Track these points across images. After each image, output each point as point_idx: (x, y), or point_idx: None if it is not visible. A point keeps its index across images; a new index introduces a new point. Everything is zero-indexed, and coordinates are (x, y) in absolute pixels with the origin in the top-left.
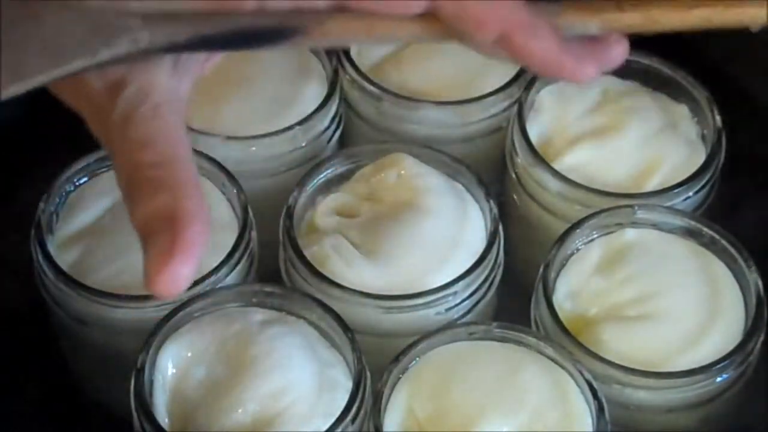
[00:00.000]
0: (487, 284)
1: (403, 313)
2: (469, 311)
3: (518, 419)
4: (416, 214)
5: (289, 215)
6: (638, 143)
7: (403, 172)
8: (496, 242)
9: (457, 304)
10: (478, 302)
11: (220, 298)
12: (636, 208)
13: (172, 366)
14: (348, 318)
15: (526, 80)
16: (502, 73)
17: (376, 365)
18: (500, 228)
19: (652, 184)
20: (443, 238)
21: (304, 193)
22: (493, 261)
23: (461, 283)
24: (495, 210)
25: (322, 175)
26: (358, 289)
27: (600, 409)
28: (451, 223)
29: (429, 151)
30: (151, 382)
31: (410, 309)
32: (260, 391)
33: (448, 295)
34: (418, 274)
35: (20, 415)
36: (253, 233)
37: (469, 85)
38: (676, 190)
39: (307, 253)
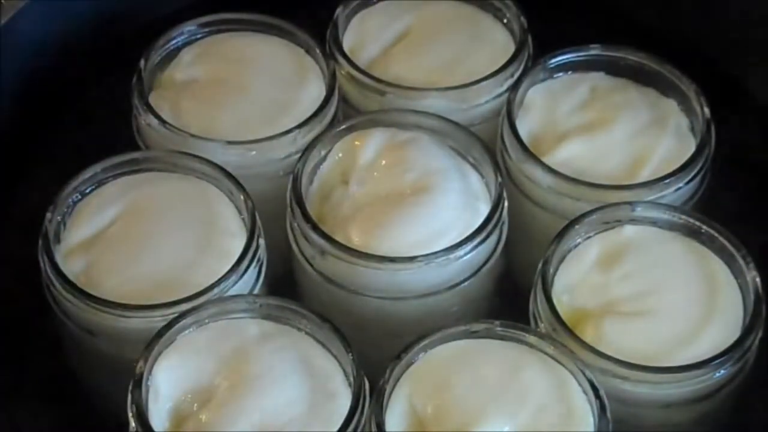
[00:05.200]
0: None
1: (409, 274)
2: (475, 273)
3: (519, 418)
4: (421, 194)
5: (296, 179)
6: (627, 137)
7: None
8: (501, 203)
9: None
10: (483, 264)
11: (216, 310)
12: (635, 205)
13: (170, 378)
14: (355, 283)
15: (523, 58)
16: (488, 52)
17: (378, 358)
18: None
19: (643, 176)
20: (448, 217)
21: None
22: (497, 220)
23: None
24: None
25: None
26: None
27: (602, 408)
28: (458, 199)
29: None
30: (148, 393)
31: (418, 265)
32: (260, 406)
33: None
34: (422, 244)
35: (20, 416)
36: (261, 240)
37: (460, 71)
38: (666, 181)
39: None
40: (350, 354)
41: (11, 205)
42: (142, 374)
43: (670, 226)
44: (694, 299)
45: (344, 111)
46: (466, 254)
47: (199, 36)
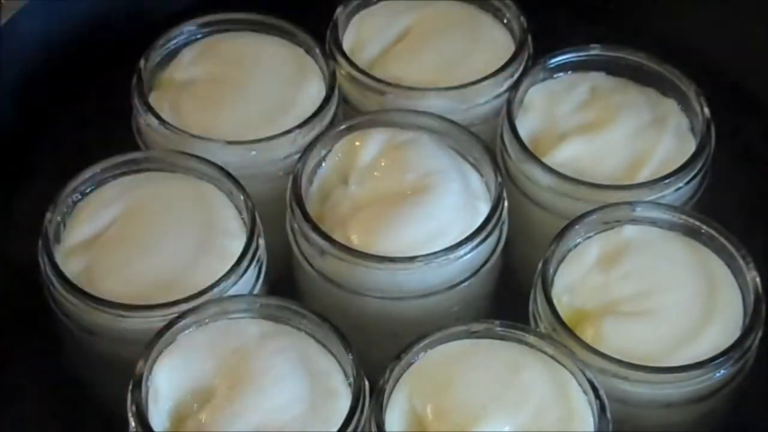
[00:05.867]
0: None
1: (409, 274)
2: (475, 273)
3: (519, 418)
4: (420, 194)
5: (296, 180)
6: (628, 137)
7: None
8: (501, 204)
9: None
10: (483, 264)
11: (216, 310)
12: (635, 205)
13: (170, 378)
14: (355, 283)
15: (523, 58)
16: (488, 52)
17: (378, 358)
18: (504, 193)
19: (643, 176)
20: (448, 216)
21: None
22: (497, 220)
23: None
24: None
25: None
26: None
27: (602, 408)
28: (456, 199)
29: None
30: (148, 393)
31: (418, 265)
32: (260, 406)
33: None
34: (422, 244)
35: (20, 415)
36: (261, 240)
37: (460, 71)
38: (666, 181)
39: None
40: (350, 354)
41: (11, 205)
42: (142, 374)
43: (670, 226)
44: (694, 299)
45: (344, 111)
46: (466, 254)
47: (199, 36)
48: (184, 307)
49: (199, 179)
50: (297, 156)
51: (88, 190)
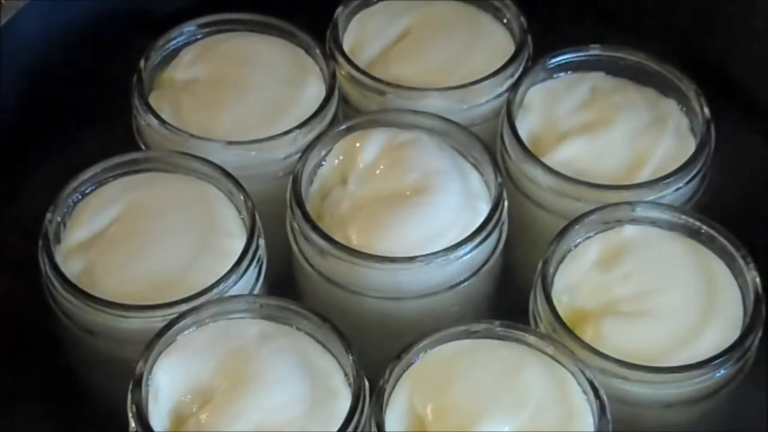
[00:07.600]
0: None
1: (409, 274)
2: (475, 273)
3: (519, 418)
4: (419, 195)
5: (296, 180)
6: (628, 137)
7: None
8: (501, 204)
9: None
10: (483, 264)
11: (216, 311)
12: (635, 205)
13: (170, 378)
14: (355, 283)
15: (523, 58)
16: (488, 52)
17: (378, 358)
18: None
19: (643, 176)
20: (448, 217)
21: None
22: (497, 220)
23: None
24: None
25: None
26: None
27: (602, 408)
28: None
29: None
30: (148, 393)
31: (418, 265)
32: (261, 406)
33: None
34: (421, 244)
35: (20, 416)
36: (261, 240)
37: (460, 71)
38: (666, 181)
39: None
40: (350, 354)
41: (11, 205)
42: (142, 374)
43: (670, 226)
44: (694, 299)
45: (344, 111)
46: (466, 254)
47: (199, 36)
48: (185, 307)
49: (199, 179)
50: (297, 156)
51: (88, 190)
